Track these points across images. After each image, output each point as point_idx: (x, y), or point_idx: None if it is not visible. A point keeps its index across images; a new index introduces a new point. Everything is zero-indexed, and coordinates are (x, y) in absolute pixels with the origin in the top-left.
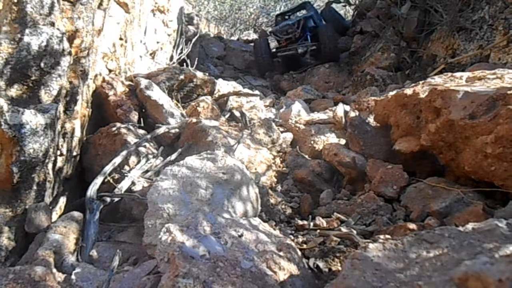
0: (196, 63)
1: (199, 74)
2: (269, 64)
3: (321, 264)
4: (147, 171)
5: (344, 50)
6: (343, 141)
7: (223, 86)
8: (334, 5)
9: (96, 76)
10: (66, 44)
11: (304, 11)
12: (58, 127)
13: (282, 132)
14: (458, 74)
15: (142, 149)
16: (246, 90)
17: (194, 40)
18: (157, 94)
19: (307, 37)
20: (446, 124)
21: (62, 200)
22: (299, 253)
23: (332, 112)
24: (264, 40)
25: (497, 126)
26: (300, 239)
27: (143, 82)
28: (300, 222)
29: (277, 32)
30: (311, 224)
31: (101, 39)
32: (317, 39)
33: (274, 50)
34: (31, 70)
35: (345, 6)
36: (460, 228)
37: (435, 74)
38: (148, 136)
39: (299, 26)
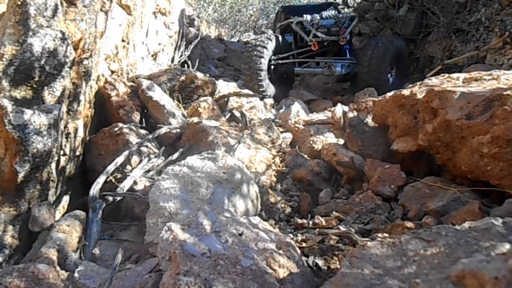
0: (197, 64)
1: (200, 75)
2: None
3: (320, 262)
4: (148, 171)
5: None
6: (341, 141)
7: (224, 87)
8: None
9: (98, 77)
10: (69, 46)
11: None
12: (61, 127)
13: (281, 132)
14: (455, 75)
15: (144, 149)
16: (246, 91)
17: (195, 42)
18: (159, 95)
19: (345, 51)
20: (443, 125)
21: (65, 199)
22: (299, 251)
23: (331, 113)
24: (272, 39)
25: (493, 127)
26: (300, 237)
27: (145, 83)
28: (300, 221)
29: (313, 24)
30: (310, 222)
31: (103, 40)
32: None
33: (285, 59)
34: (34, 71)
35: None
36: (457, 227)
37: (432, 75)
38: (150, 136)
39: (346, 29)
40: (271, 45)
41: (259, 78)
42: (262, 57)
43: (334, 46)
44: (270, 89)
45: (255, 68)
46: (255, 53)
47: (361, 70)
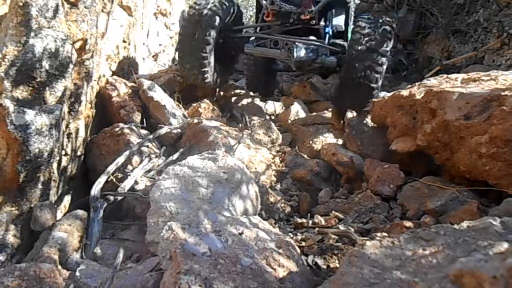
0: None
1: None
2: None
3: (319, 261)
4: (149, 171)
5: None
6: (341, 141)
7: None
8: None
9: (99, 77)
10: (70, 47)
11: None
12: (63, 127)
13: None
14: (453, 75)
15: (144, 149)
16: (247, 91)
17: None
18: (160, 95)
19: (325, 34)
20: (441, 125)
21: (67, 199)
22: (298, 250)
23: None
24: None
25: (491, 127)
26: (299, 236)
27: (146, 83)
28: (299, 220)
29: None
30: (310, 222)
31: (104, 41)
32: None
33: (237, 32)
34: (36, 72)
35: None
36: (455, 226)
37: (431, 76)
38: (151, 136)
39: (317, 3)
40: (220, 14)
41: (203, 55)
42: (214, 27)
43: (300, 23)
44: (211, 73)
45: (200, 43)
46: (204, 20)
47: (347, 65)
